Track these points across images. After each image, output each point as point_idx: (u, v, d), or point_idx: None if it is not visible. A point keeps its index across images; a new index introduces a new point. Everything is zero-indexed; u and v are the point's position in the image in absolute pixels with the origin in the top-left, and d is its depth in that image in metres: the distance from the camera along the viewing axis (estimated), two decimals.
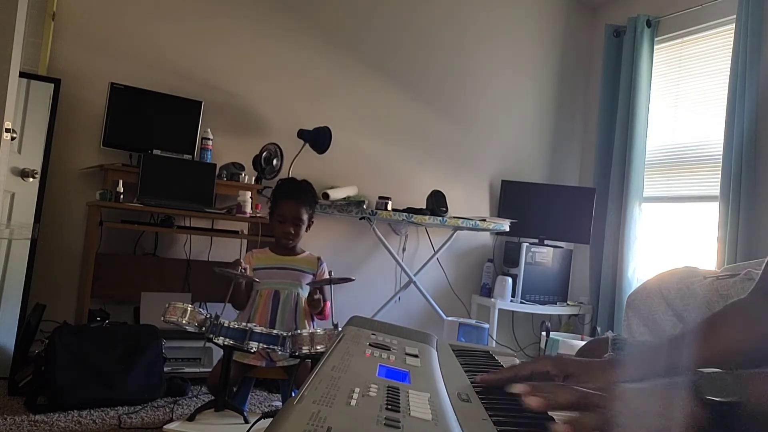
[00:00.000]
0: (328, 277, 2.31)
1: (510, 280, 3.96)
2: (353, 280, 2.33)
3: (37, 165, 2.89)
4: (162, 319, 1.93)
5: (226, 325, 1.92)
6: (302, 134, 3.40)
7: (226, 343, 1.90)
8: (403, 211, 3.53)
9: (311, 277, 2.41)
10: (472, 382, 0.86)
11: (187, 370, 2.87)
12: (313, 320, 2.39)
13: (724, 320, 0.93)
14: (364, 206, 3.40)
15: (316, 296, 2.31)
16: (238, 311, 2.41)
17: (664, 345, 0.94)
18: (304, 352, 1.89)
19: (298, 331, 1.92)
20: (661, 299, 1.88)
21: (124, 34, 3.23)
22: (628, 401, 0.64)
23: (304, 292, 2.37)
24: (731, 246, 3.33)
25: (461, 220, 3.63)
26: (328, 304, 2.35)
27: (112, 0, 3.21)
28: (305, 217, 2.40)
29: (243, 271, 2.24)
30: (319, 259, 2.46)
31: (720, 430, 0.61)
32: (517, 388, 0.66)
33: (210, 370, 2.54)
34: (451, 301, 4.08)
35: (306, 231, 2.44)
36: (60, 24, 3.06)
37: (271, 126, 3.58)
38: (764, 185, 3.36)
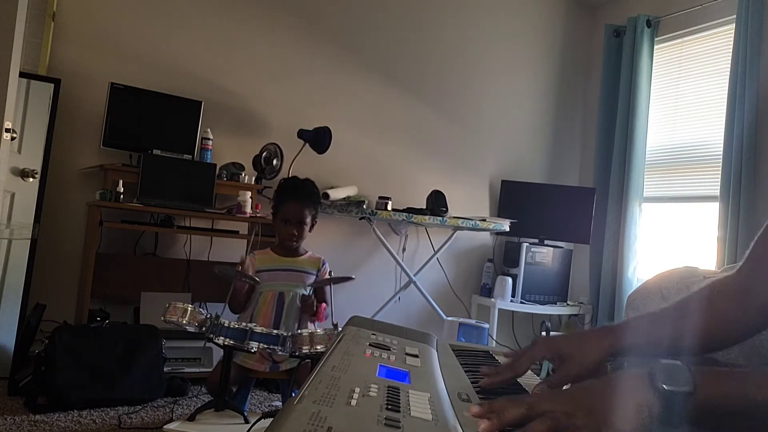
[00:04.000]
0: (327, 278, 2.31)
1: (510, 280, 3.96)
2: (353, 278, 2.33)
3: (37, 165, 2.89)
4: (162, 319, 1.93)
5: (226, 325, 1.92)
6: (302, 134, 3.40)
7: (226, 343, 1.90)
8: (403, 211, 3.53)
9: (314, 278, 2.40)
10: (472, 382, 0.86)
11: (187, 370, 2.87)
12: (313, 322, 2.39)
13: (713, 295, 0.95)
14: (364, 206, 3.40)
15: (309, 301, 2.30)
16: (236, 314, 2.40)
17: (656, 316, 0.95)
18: (304, 352, 1.89)
19: (299, 331, 1.92)
20: (661, 299, 1.88)
21: (124, 34, 3.23)
22: (579, 399, 0.64)
23: (308, 293, 2.36)
24: (731, 246, 3.33)
25: (461, 220, 3.63)
26: (324, 306, 2.34)
27: (112, 0, 3.21)
28: (309, 218, 2.39)
29: (243, 270, 2.23)
30: (321, 260, 2.45)
31: (672, 419, 0.62)
32: (472, 412, 0.66)
33: (210, 370, 2.54)
34: (451, 301, 4.08)
35: (309, 231, 2.44)
36: (60, 24, 3.06)
37: (271, 126, 3.58)
38: (764, 185, 3.35)
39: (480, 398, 0.77)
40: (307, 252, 2.47)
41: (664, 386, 0.62)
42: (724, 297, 0.93)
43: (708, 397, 0.63)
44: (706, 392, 0.63)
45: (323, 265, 2.43)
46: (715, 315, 0.91)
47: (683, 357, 0.74)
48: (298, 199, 2.37)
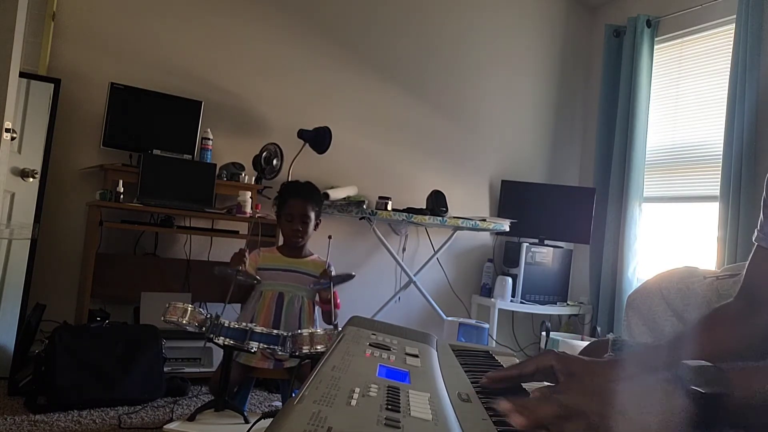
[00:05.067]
0: (329, 277, 2.30)
1: (510, 280, 3.96)
2: (353, 276, 2.32)
3: (37, 165, 2.89)
4: (162, 319, 1.93)
5: (226, 325, 1.92)
6: (302, 134, 3.40)
7: (226, 343, 1.90)
8: (403, 211, 3.53)
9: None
10: (472, 382, 0.86)
11: (187, 370, 2.87)
12: (316, 321, 2.38)
13: (713, 323, 0.96)
14: (364, 206, 3.40)
15: (326, 296, 2.29)
16: (240, 311, 2.40)
17: (661, 346, 0.95)
18: (304, 352, 1.89)
19: (299, 331, 1.92)
20: (660, 299, 1.88)
21: (124, 34, 3.23)
22: (613, 403, 0.63)
23: (309, 296, 2.35)
24: (731, 246, 3.33)
25: (461, 220, 3.63)
26: (335, 292, 2.34)
27: (112, 0, 3.21)
28: (312, 214, 2.40)
29: (243, 270, 2.23)
30: (326, 263, 2.40)
31: (706, 422, 0.61)
32: (501, 406, 0.65)
33: (210, 370, 2.54)
34: (451, 301, 4.08)
35: (314, 230, 2.44)
36: (60, 24, 3.06)
37: (271, 126, 3.58)
38: (764, 185, 3.35)
39: (480, 398, 0.77)
40: (313, 255, 2.46)
41: (699, 389, 0.60)
42: (723, 325, 0.94)
43: (745, 395, 0.61)
44: (742, 391, 0.61)
45: (327, 268, 2.40)
46: (715, 344, 0.92)
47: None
48: (300, 195, 2.40)
